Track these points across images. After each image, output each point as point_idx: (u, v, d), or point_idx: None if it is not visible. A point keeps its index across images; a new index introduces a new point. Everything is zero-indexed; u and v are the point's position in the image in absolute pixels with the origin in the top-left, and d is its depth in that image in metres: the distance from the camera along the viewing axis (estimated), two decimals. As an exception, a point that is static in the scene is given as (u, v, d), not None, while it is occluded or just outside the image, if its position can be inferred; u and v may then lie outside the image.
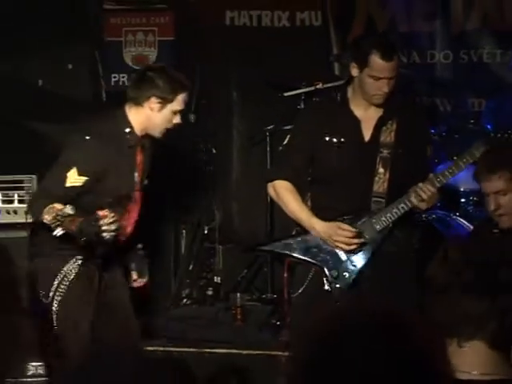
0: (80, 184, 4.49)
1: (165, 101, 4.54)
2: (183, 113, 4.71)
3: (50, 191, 4.48)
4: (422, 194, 4.50)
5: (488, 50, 6.96)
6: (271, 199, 5.26)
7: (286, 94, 6.46)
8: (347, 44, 7.00)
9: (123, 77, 7.15)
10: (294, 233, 4.83)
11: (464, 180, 5.99)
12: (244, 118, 7.30)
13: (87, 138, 4.51)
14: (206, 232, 7.13)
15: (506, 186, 4.17)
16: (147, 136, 4.67)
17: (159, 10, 7.09)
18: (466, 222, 5.98)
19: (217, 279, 6.89)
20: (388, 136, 4.67)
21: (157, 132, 4.62)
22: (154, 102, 4.53)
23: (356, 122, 4.67)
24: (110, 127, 4.59)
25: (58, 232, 4.16)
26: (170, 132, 5.07)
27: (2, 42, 6.69)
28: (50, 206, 4.21)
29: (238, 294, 6.39)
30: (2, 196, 5.60)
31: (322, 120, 4.73)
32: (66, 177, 4.46)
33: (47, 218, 4.19)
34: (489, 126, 6.22)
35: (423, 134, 4.90)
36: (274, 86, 6.64)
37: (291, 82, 6.55)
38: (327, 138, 4.66)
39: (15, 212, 5.54)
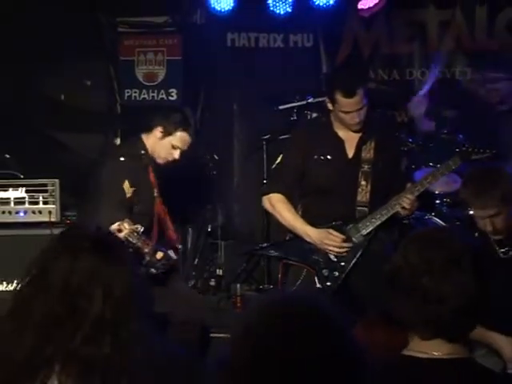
0: (131, 195, 4.93)
1: (166, 133, 5.10)
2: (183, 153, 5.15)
3: (114, 203, 4.78)
4: (403, 201, 4.76)
5: (460, 68, 7.29)
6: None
7: (280, 107, 6.75)
8: (335, 63, 7.31)
9: (135, 92, 7.41)
10: (287, 238, 5.01)
11: (439, 183, 6.07)
12: (243, 128, 7.54)
13: (121, 159, 5.01)
14: (209, 230, 7.25)
15: (498, 210, 4.09)
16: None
17: (168, 32, 7.33)
18: (440, 221, 6.20)
19: (219, 271, 7.02)
20: (368, 153, 4.87)
21: (160, 159, 5.15)
22: (158, 131, 5.11)
23: (340, 142, 4.91)
24: (132, 150, 5.13)
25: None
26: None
27: (34, 64, 7.04)
28: (121, 222, 4.47)
29: (238, 285, 6.59)
30: (29, 198, 5.80)
31: (311, 141, 4.93)
32: (123, 189, 4.90)
33: (123, 234, 4.42)
34: (460, 136, 6.36)
35: (397, 149, 5.18)
36: (270, 100, 6.86)
37: (285, 96, 6.80)
38: (316, 157, 4.88)
39: (40, 212, 5.77)
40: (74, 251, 2.02)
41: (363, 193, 4.86)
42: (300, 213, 5.01)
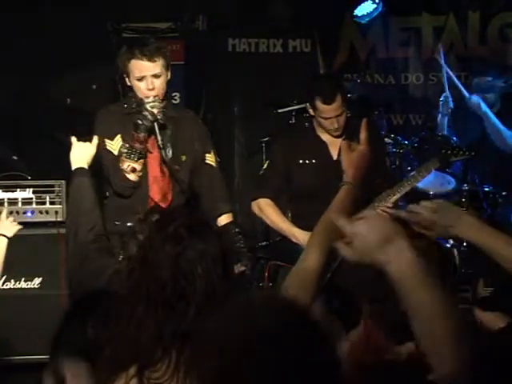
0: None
1: (127, 75, 4.57)
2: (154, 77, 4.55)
3: None
4: (382, 209, 4.67)
5: (453, 73, 7.22)
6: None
7: (279, 111, 6.87)
8: (333, 68, 7.49)
9: (139, 95, 7.72)
10: (277, 239, 5.21)
11: (433, 185, 6.41)
12: (244, 131, 7.69)
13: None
14: (212, 229, 7.46)
15: None
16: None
17: (171, 38, 7.36)
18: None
19: (220, 270, 7.24)
20: None
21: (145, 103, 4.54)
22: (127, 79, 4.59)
23: (324, 145, 5.06)
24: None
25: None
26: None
27: (41, 67, 7.18)
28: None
29: (239, 283, 6.93)
30: (36, 198, 5.81)
31: (295, 145, 5.10)
32: None
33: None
34: (454, 138, 6.44)
35: (380, 150, 5.21)
36: (270, 104, 7.00)
37: (284, 100, 6.92)
38: (301, 161, 5.05)
39: (47, 212, 5.77)
40: (175, 240, 2.05)
41: None
42: (290, 218, 5.15)
